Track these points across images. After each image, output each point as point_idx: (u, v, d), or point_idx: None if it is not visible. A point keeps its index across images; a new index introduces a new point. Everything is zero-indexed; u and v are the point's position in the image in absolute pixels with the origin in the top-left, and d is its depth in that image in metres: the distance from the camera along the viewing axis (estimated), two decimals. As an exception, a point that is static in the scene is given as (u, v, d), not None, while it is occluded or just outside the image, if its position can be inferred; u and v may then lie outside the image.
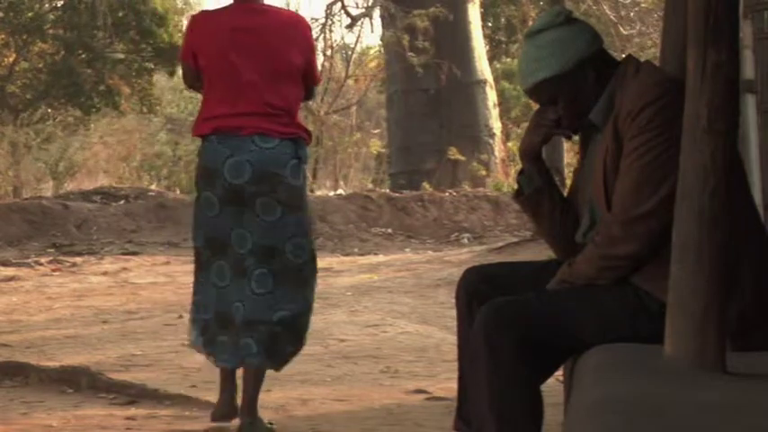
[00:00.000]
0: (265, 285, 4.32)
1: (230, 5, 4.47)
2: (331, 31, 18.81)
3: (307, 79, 4.47)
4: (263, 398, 4.83)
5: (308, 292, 4.41)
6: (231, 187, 4.29)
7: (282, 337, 4.34)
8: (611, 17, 19.15)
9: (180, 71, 4.68)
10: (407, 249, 12.16)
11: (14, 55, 19.82)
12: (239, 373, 4.43)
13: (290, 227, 4.34)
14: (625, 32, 19.06)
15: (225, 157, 4.30)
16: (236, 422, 4.36)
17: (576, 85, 2.92)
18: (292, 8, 18.04)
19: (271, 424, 4.38)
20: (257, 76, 4.33)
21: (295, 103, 4.43)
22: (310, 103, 18.36)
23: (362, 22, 18.52)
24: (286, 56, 4.37)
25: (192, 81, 4.53)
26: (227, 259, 4.35)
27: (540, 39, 2.95)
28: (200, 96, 4.60)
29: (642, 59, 3.02)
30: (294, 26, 4.48)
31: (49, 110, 18.41)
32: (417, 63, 16.35)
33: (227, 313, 4.34)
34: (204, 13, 4.59)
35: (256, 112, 4.32)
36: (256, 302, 4.30)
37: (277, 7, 4.63)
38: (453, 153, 16.31)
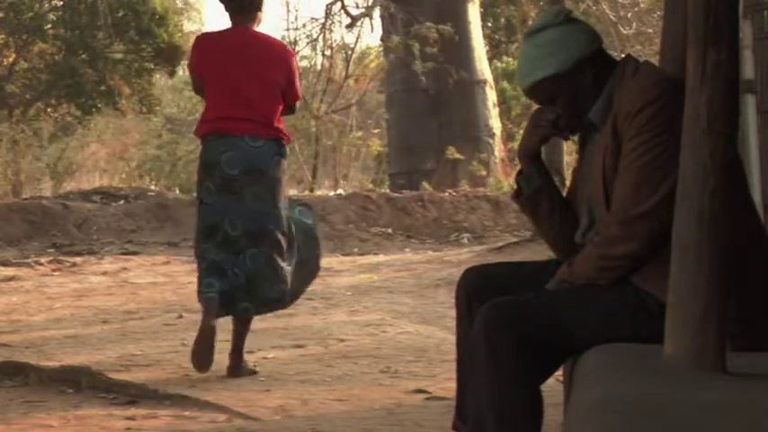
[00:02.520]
0: (257, 263, 5.33)
1: (228, 29, 5.46)
2: (331, 31, 18.82)
3: (287, 97, 5.43)
4: (263, 397, 4.84)
5: (284, 264, 5.41)
6: (227, 177, 5.27)
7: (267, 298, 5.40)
8: (611, 17, 19.14)
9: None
10: (407, 249, 12.16)
11: (14, 55, 19.82)
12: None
13: (272, 210, 5.34)
14: (625, 32, 19.06)
15: (221, 152, 5.27)
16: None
17: (575, 85, 2.92)
18: (292, 8, 18.16)
19: (255, 367, 5.41)
20: (248, 88, 5.30)
21: (275, 113, 5.36)
22: (310, 102, 18.40)
23: (362, 22, 18.51)
24: (270, 74, 5.35)
25: (198, 89, 5.51)
26: (216, 240, 5.31)
27: (539, 38, 2.95)
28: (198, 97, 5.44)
29: (641, 59, 3.01)
30: (278, 51, 5.53)
31: (49, 109, 18.43)
32: (424, 69, 16.34)
33: (224, 270, 5.32)
34: (207, 35, 5.66)
35: (247, 118, 5.28)
36: (250, 274, 5.32)
37: (264, 33, 5.59)
38: (452, 153, 16.31)
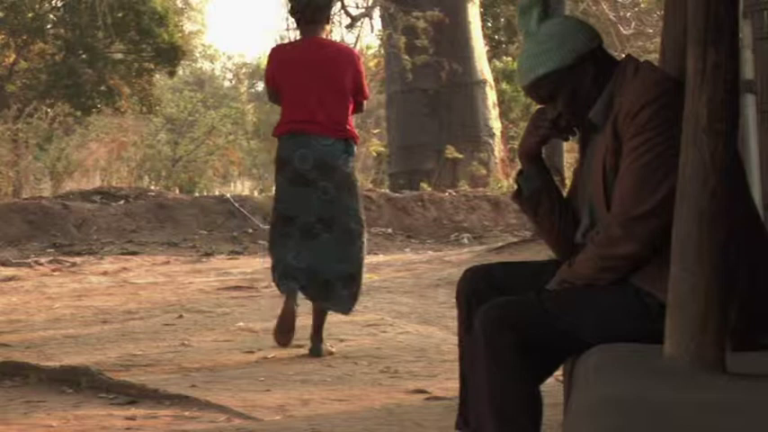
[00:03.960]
0: (329, 245, 5.85)
1: (299, 40, 6.10)
2: (331, 31, 18.79)
3: (357, 96, 5.97)
4: (263, 397, 4.84)
5: (358, 249, 5.95)
6: (298, 172, 5.82)
7: (338, 286, 5.90)
8: (611, 17, 19.14)
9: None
10: (407, 249, 12.16)
11: (14, 55, 19.82)
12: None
13: (344, 201, 5.89)
14: (625, 32, 19.05)
15: (294, 150, 5.84)
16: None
17: (576, 82, 2.92)
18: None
19: (331, 347, 5.96)
20: (320, 94, 5.82)
21: (346, 115, 5.92)
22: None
23: (362, 22, 18.51)
24: (340, 79, 5.88)
25: (274, 99, 6.07)
26: (293, 228, 5.85)
27: (539, 36, 2.95)
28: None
29: (642, 60, 3.01)
30: (346, 56, 6.04)
31: (49, 110, 18.44)
32: (415, 63, 16.32)
33: (292, 265, 5.86)
34: (280, 47, 6.33)
35: (318, 121, 5.83)
36: (322, 257, 5.84)
37: (333, 41, 6.43)
38: (451, 152, 16.29)
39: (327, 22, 6.14)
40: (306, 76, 5.86)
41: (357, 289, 6.04)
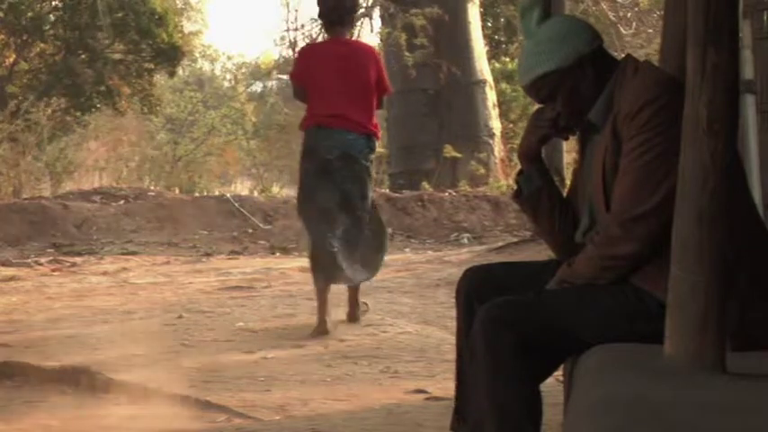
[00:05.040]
0: (348, 227, 6.37)
1: (328, 40, 6.60)
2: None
3: (379, 90, 6.44)
4: (263, 397, 4.85)
5: (370, 227, 6.51)
6: (323, 161, 6.31)
7: (364, 257, 6.49)
8: (611, 17, 19.13)
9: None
10: (407, 249, 12.15)
11: (14, 55, 19.81)
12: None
13: (360, 191, 6.39)
14: (625, 32, 19.04)
15: (320, 141, 6.32)
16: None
17: (575, 81, 2.92)
18: (292, 8, 18.28)
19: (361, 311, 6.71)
20: (346, 89, 6.27)
21: (369, 112, 6.38)
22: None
23: (362, 22, 18.49)
24: (364, 75, 6.35)
25: (301, 96, 6.48)
26: (314, 212, 6.35)
27: (540, 34, 2.96)
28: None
29: (642, 60, 3.01)
30: (368, 53, 6.55)
31: (49, 110, 18.44)
32: (415, 61, 16.32)
33: (325, 245, 6.35)
34: (310, 46, 7.18)
35: (343, 116, 6.28)
36: (344, 238, 6.34)
37: (356, 40, 7.18)
38: (449, 151, 16.28)
39: (352, 25, 6.69)
40: (332, 73, 6.29)
41: (381, 256, 6.64)
